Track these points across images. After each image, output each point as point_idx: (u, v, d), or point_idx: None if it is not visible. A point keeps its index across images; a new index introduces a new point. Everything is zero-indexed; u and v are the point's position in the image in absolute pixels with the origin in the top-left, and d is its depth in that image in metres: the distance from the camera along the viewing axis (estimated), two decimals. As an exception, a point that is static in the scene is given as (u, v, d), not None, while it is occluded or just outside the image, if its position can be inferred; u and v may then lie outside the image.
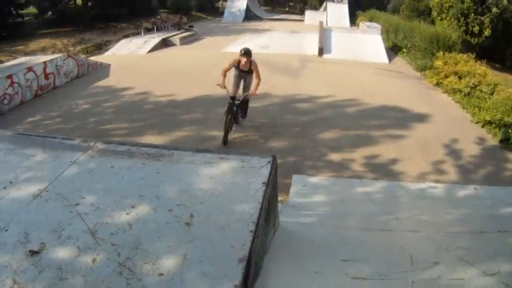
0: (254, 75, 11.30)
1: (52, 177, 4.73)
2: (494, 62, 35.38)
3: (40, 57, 20.03)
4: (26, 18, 34.31)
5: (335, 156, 10.47)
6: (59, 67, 17.82)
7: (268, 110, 13.79)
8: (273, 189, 4.91)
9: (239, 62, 11.17)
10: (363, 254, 4.98)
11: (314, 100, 15.18)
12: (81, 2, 38.65)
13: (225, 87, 10.98)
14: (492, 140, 12.59)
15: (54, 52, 25.30)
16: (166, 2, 48.22)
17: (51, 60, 17.51)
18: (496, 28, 37.85)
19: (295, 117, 13.33)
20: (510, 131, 12.34)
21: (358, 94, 16.03)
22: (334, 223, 6.28)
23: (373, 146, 11.31)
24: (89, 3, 38.44)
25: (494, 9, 37.39)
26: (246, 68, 11.20)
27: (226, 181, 4.67)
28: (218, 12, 52.29)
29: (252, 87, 11.32)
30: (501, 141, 12.17)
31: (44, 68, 16.86)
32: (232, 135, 11.19)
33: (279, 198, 6.46)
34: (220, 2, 53.93)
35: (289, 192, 7.74)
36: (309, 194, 7.86)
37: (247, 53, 11.16)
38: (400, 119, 13.87)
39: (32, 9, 35.86)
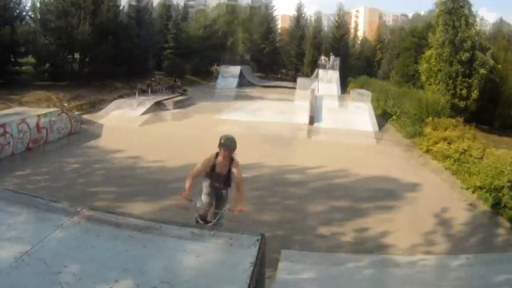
0: (233, 182, 8.14)
1: (35, 240, 4.64)
2: (483, 123, 35.72)
3: (34, 109, 20.23)
4: (23, 67, 34.70)
5: (325, 230, 10.37)
6: (52, 122, 18.03)
7: (259, 181, 13.68)
8: (261, 267, 4.85)
9: (215, 159, 8.12)
10: None
11: (305, 171, 15.20)
12: (79, 57, 39.06)
13: (191, 200, 8.00)
14: (483, 206, 12.59)
15: (48, 105, 25.29)
16: (162, 64, 49.03)
17: (45, 114, 17.73)
18: (484, 89, 38.52)
19: (285, 189, 13.32)
20: (501, 195, 12.28)
21: (348, 164, 16.08)
22: None
23: (363, 218, 11.22)
24: (87, 59, 38.78)
25: (482, 71, 38.09)
26: (224, 171, 8.14)
27: (213, 259, 4.62)
28: (212, 77, 53.03)
29: (232, 202, 8.02)
30: (492, 206, 12.16)
31: (38, 122, 17.07)
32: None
33: (267, 274, 6.40)
34: (215, 67, 54.65)
35: (277, 267, 7.66)
36: (298, 271, 7.72)
37: (228, 144, 8.00)
38: (390, 189, 13.85)
39: (30, 59, 36.04)
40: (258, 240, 4.96)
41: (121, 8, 42.42)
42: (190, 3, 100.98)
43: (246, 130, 20.54)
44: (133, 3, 45.95)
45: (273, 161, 16.06)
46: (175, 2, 64.22)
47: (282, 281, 6.99)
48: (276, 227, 10.24)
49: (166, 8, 57.31)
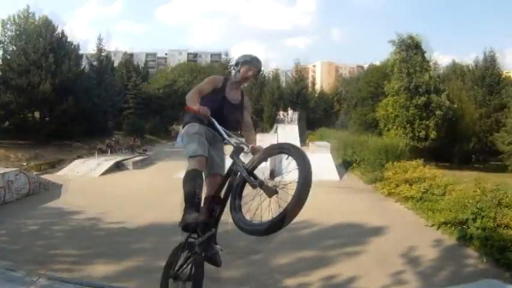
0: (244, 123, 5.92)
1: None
2: (443, 161, 36.42)
3: (-8, 168, 19.52)
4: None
5: (291, 282, 10.03)
6: (10, 182, 17.56)
7: (221, 238, 13.38)
8: None
9: (225, 82, 5.56)
10: None
11: (269, 225, 15.00)
12: (39, 116, 38.69)
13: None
14: (449, 240, 12.68)
15: (6, 165, 24.93)
16: (122, 123, 48.93)
17: (3, 174, 17.26)
18: (441, 129, 39.50)
19: (248, 244, 13.04)
20: (466, 227, 12.46)
21: (312, 214, 15.81)
22: None
23: (330, 266, 10.94)
24: (47, 118, 38.49)
25: (438, 112, 39.20)
26: (236, 101, 5.72)
27: None
28: (171, 136, 53.09)
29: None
30: (458, 239, 12.27)
31: (-5, 182, 16.34)
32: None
33: None
34: (174, 126, 54.79)
35: None
36: None
37: (255, 61, 5.49)
38: (355, 235, 13.72)
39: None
40: None
41: (82, 67, 42.62)
42: (151, 63, 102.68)
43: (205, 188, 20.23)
44: (95, 63, 46.25)
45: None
46: (135, 63, 64.93)
47: None
48: (240, 283, 9.92)
49: (127, 68, 57.77)
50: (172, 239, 12.15)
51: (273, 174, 24.77)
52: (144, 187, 22.09)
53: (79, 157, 31.49)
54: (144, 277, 9.39)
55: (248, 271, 10.70)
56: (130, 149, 35.96)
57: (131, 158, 31.49)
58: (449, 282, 9.57)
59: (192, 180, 5.02)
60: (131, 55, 76.37)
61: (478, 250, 11.53)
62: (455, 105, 42.68)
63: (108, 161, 28.67)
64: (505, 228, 11.86)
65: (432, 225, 14.00)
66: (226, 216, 5.01)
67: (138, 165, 29.82)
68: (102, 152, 33.31)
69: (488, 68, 54.85)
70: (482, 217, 12.34)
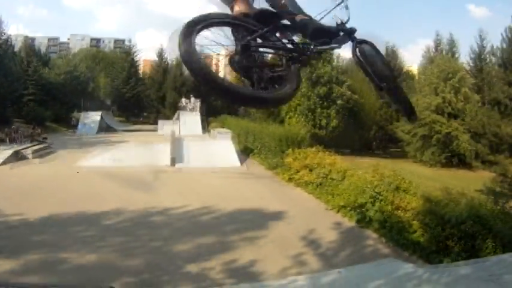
0: None
1: None
2: (344, 148, 37.36)
3: None
4: None
5: (193, 267, 9.83)
6: None
7: (122, 227, 12.85)
8: None
9: None
10: None
11: (168, 212, 14.56)
12: None
13: None
14: (349, 222, 12.91)
15: None
16: (21, 111, 46.46)
17: None
18: (342, 118, 40.53)
19: (150, 231, 12.63)
20: (365, 210, 12.67)
21: (212, 201, 15.75)
22: None
23: (231, 251, 10.84)
24: None
25: (339, 101, 40.18)
26: None
27: None
28: (72, 124, 51.28)
29: None
30: (357, 221, 12.47)
31: None
32: (83, 257, 10.08)
33: None
34: (74, 114, 52.82)
35: None
36: None
37: None
38: (255, 219, 13.65)
39: None
40: None
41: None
42: (53, 48, 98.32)
43: (106, 176, 19.84)
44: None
45: (136, 204, 15.22)
46: (37, 47, 62.03)
47: None
48: (142, 271, 9.57)
49: (27, 53, 54.86)
50: (74, 230, 11.63)
51: (174, 161, 24.51)
52: (44, 176, 20.90)
53: (-24, 148, 29.47)
54: (48, 270, 8.90)
55: (150, 259, 10.41)
56: (30, 138, 34.09)
57: (31, 146, 29.64)
58: (350, 262, 9.72)
59: None
60: (33, 39, 72.84)
61: (377, 232, 11.83)
62: (357, 96, 43.90)
63: (7, 151, 26.76)
64: (403, 211, 12.16)
65: (332, 209, 14.19)
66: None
67: (38, 154, 28.06)
68: (1, 141, 31.40)
69: (390, 61, 57.01)
70: (381, 201, 12.63)
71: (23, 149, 27.77)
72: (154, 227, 13.09)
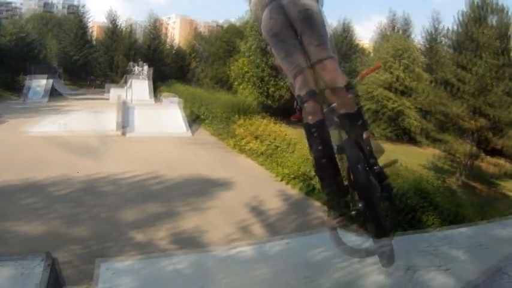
0: None
1: None
2: (297, 121, 37.64)
3: None
4: None
5: (140, 236, 9.78)
6: None
7: (70, 195, 12.59)
8: (53, 285, 4.29)
9: None
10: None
11: (116, 180, 14.31)
12: None
13: None
14: (297, 193, 13.05)
15: None
16: None
17: None
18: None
19: (97, 200, 12.41)
20: (313, 182, 12.71)
21: (160, 169, 15.59)
22: None
23: (178, 219, 10.80)
24: None
25: (293, 72, 40.22)
26: None
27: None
28: (20, 90, 49.82)
29: None
30: (304, 191, 12.56)
31: None
32: (29, 226, 9.86)
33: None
34: (22, 78, 51.24)
35: (94, 280, 7.11)
36: (115, 279, 7.23)
37: None
38: (203, 188, 13.59)
39: None
40: (42, 260, 4.37)
41: None
42: (5, 13, 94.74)
43: (55, 144, 19.33)
44: None
45: (84, 173, 14.90)
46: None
47: None
48: (89, 240, 9.44)
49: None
50: (20, 198, 11.34)
51: (123, 129, 24.15)
52: None
53: None
54: None
55: (96, 226, 10.26)
56: None
57: None
58: (295, 230, 9.84)
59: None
60: (-17, 4, 70.31)
61: (325, 203, 11.86)
62: (310, 69, 44.11)
63: (-48, 119, 25.87)
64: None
65: (281, 180, 14.24)
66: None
67: None
68: None
69: (343, 35, 57.74)
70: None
71: (-32, 117, 26.71)
72: (101, 194, 12.88)
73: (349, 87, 3.52)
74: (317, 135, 3.50)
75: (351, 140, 3.49)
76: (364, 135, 3.56)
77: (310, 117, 3.52)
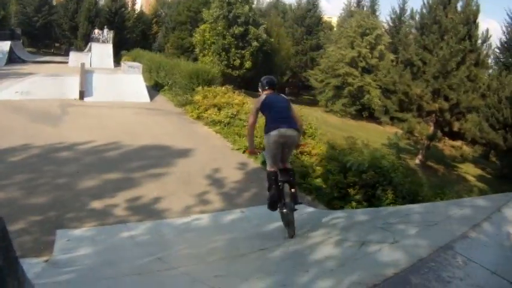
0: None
1: None
2: (257, 90, 37.77)
3: None
4: None
5: (97, 204, 9.48)
6: None
7: (27, 163, 12.07)
8: (5, 252, 4.09)
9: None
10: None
11: (75, 147, 13.91)
12: None
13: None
14: (253, 163, 13.02)
15: None
16: None
17: None
18: (257, 60, 40.82)
19: (56, 167, 11.98)
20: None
21: (119, 136, 15.34)
22: (98, 275, 5.83)
23: (136, 187, 10.58)
24: None
25: (255, 43, 40.47)
26: None
27: None
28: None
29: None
30: (262, 162, 12.57)
31: None
32: None
33: (45, 258, 6.46)
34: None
35: (53, 249, 6.96)
36: (74, 248, 7.12)
37: (272, 82, 7.98)
38: (162, 156, 13.45)
39: None
40: None
41: None
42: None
43: (12, 110, 18.98)
44: None
45: (43, 140, 14.42)
46: None
47: (57, 262, 6.40)
48: (47, 209, 9.05)
49: None
50: None
51: (82, 95, 23.73)
52: None
53: None
54: None
55: (54, 196, 9.92)
56: None
57: None
58: (253, 202, 9.83)
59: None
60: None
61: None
62: (272, 39, 44.19)
63: None
64: (307, 155, 12.32)
65: (238, 149, 14.23)
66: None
67: None
68: None
69: (310, 10, 58.05)
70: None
71: None
72: (60, 162, 12.51)
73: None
74: (274, 178, 7.18)
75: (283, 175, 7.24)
76: (293, 190, 7.13)
77: (272, 170, 7.27)
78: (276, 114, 7.16)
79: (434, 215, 6.09)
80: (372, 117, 43.33)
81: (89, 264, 6.47)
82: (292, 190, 7.09)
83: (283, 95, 7.97)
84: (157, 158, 13.38)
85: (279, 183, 7.13)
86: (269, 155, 7.29)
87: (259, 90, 7.98)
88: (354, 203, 9.78)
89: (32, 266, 5.68)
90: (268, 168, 7.35)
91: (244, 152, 13.91)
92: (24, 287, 4.33)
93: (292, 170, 7.45)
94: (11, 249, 4.28)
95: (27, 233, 7.61)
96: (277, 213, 7.17)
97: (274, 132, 6.99)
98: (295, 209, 6.90)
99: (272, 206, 7.08)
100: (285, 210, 6.87)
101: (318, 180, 10.89)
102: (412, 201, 9.37)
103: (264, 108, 7.36)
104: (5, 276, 3.87)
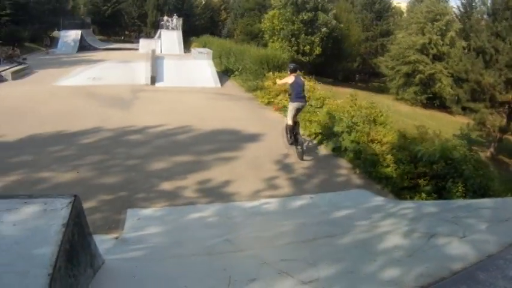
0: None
1: None
2: (327, 77, 37.31)
3: None
4: None
5: (167, 186, 9.73)
6: None
7: (100, 145, 12.63)
8: (80, 228, 4.36)
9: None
10: (183, 283, 4.61)
11: (146, 131, 14.37)
12: None
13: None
14: (324, 150, 13.00)
15: None
16: (0, 32, 45.07)
17: None
18: (326, 46, 40.43)
19: (127, 150, 12.40)
20: (341, 139, 12.64)
21: (190, 120, 15.63)
22: (166, 254, 5.91)
23: (205, 170, 10.76)
24: None
25: (324, 29, 40.07)
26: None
27: (29, 226, 4.08)
28: (50, 44, 50.12)
29: None
30: (333, 149, 12.53)
31: None
32: (61, 176, 9.92)
33: (115, 235, 6.70)
34: (55, 32, 51.52)
35: (123, 227, 7.27)
36: (143, 227, 7.37)
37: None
38: (232, 140, 13.62)
39: None
40: (70, 202, 4.45)
41: None
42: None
43: (85, 95, 19.75)
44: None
45: (114, 123, 15.01)
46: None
47: (128, 239, 6.64)
48: (118, 189, 9.42)
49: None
50: (52, 149, 11.51)
51: (153, 80, 24.28)
52: (24, 98, 20.05)
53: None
54: (26, 190, 8.74)
55: (126, 177, 10.30)
56: (9, 59, 32.92)
57: (10, 68, 28.51)
58: (322, 189, 9.82)
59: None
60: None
61: (351, 162, 11.90)
62: (342, 25, 43.62)
63: (-15, 73, 25.94)
64: (378, 144, 12.22)
65: (309, 135, 14.23)
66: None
67: (17, 75, 26.76)
68: (-20, 63, 30.14)
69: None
70: (357, 131, 12.59)
71: (2, 71, 26.83)
72: (131, 145, 12.92)
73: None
74: (291, 129, 12.20)
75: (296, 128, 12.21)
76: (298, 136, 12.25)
77: (290, 124, 12.19)
78: (298, 92, 11.89)
79: (505, 211, 6.00)
80: (443, 107, 42.11)
81: (158, 242, 6.64)
82: (298, 136, 12.17)
83: (301, 78, 12.82)
84: (227, 142, 13.57)
85: (294, 132, 12.10)
86: (290, 114, 12.01)
87: (288, 72, 12.67)
88: (423, 194, 9.63)
89: (102, 242, 5.84)
90: (289, 122, 12.14)
91: (315, 137, 13.96)
92: (96, 260, 4.63)
93: (298, 123, 12.62)
94: (86, 225, 4.59)
95: (98, 211, 7.99)
96: (345, 201, 7.19)
97: (295, 103, 11.96)
98: (301, 144, 12.11)
99: (288, 143, 12.43)
100: (298, 146, 12.08)
101: (388, 169, 10.77)
102: (483, 196, 9.19)
103: (293, 86, 11.99)
104: (78, 249, 4.18)
